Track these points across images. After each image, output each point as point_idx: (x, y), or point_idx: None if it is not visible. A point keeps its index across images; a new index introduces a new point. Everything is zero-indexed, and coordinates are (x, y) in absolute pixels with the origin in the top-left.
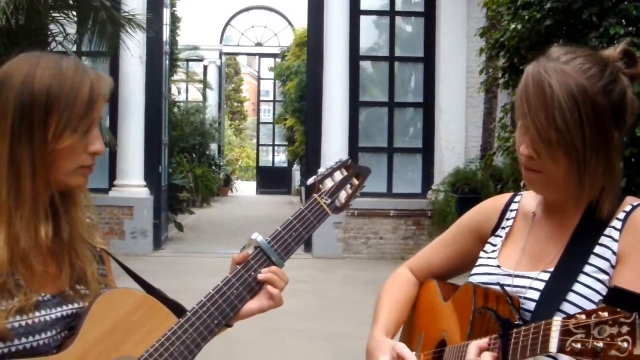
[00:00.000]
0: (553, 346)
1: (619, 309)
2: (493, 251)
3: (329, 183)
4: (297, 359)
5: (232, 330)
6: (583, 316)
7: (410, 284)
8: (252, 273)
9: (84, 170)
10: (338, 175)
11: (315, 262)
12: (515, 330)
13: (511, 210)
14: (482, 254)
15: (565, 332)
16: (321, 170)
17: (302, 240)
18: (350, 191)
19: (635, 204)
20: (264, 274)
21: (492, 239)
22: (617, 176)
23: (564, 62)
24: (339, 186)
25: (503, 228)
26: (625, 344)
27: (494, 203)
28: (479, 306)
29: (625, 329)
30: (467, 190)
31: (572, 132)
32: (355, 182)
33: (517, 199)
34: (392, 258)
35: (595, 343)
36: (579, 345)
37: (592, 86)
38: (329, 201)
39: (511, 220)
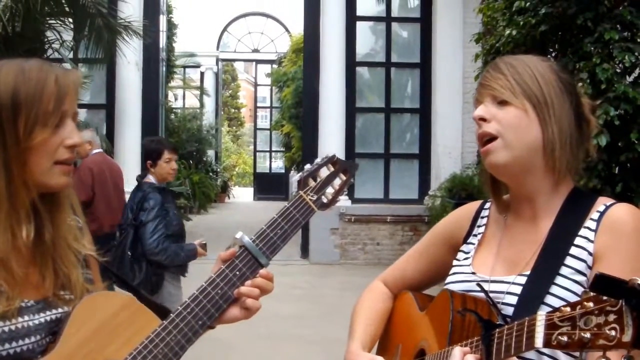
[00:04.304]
0: (539, 341)
1: (605, 298)
2: (466, 258)
3: (315, 180)
4: None
5: (228, 335)
6: (568, 308)
7: (385, 298)
8: (237, 272)
9: (62, 167)
10: (324, 172)
11: (312, 268)
12: (497, 330)
13: (482, 217)
14: (454, 262)
15: (551, 326)
16: (307, 166)
17: (288, 238)
18: (337, 187)
19: (608, 203)
20: (239, 289)
21: (464, 247)
22: (580, 158)
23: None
24: (326, 182)
25: (475, 235)
26: (613, 332)
27: (465, 211)
28: (459, 308)
29: (612, 317)
30: (463, 196)
31: (528, 82)
32: (343, 177)
33: (487, 205)
34: (389, 264)
35: (582, 334)
36: (565, 338)
37: (544, 61)
38: (314, 198)
39: (483, 227)
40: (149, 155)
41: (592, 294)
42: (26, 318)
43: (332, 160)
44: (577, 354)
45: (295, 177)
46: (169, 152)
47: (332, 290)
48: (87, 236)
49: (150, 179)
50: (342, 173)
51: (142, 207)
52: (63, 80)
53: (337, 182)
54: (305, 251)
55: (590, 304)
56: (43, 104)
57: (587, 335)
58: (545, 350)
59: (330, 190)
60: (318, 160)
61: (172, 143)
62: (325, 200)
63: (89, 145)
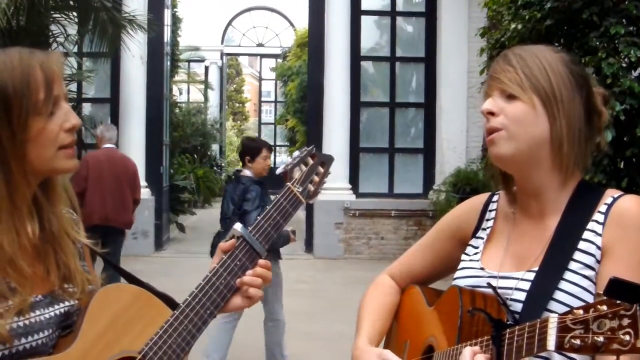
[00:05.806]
0: (551, 344)
1: (618, 302)
2: (475, 253)
3: (298, 172)
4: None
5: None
6: (581, 311)
7: (392, 292)
8: (238, 262)
9: (66, 151)
10: (306, 164)
11: (316, 262)
12: (508, 330)
13: (490, 211)
14: (463, 256)
15: (563, 329)
16: (289, 159)
17: (280, 228)
18: (317, 179)
19: (616, 195)
20: (241, 279)
21: (473, 241)
22: (588, 153)
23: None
24: (308, 175)
25: (484, 229)
26: (627, 337)
27: (472, 204)
28: (469, 308)
29: (626, 321)
30: (468, 191)
31: (537, 76)
32: (321, 170)
33: (494, 198)
34: (394, 258)
35: (595, 338)
36: (578, 341)
37: (555, 52)
38: (300, 189)
39: (491, 221)
40: (248, 152)
41: (605, 297)
42: (37, 313)
43: (311, 153)
44: None
45: (279, 169)
46: (266, 150)
47: (336, 285)
48: (81, 225)
49: (247, 173)
50: (320, 166)
51: (245, 197)
52: (48, 66)
53: (317, 174)
54: (309, 246)
55: (604, 307)
56: (33, 94)
57: (601, 339)
58: None
59: (312, 182)
60: (298, 152)
61: (268, 143)
62: (309, 192)
63: (98, 140)
